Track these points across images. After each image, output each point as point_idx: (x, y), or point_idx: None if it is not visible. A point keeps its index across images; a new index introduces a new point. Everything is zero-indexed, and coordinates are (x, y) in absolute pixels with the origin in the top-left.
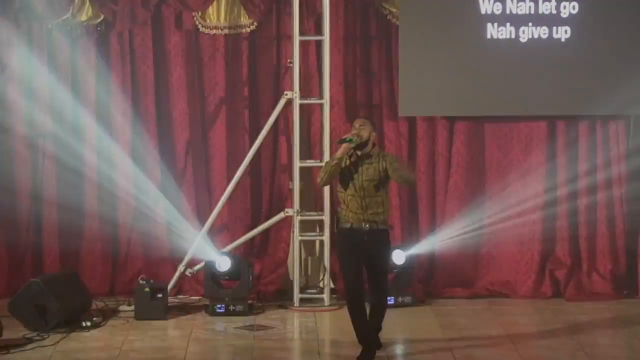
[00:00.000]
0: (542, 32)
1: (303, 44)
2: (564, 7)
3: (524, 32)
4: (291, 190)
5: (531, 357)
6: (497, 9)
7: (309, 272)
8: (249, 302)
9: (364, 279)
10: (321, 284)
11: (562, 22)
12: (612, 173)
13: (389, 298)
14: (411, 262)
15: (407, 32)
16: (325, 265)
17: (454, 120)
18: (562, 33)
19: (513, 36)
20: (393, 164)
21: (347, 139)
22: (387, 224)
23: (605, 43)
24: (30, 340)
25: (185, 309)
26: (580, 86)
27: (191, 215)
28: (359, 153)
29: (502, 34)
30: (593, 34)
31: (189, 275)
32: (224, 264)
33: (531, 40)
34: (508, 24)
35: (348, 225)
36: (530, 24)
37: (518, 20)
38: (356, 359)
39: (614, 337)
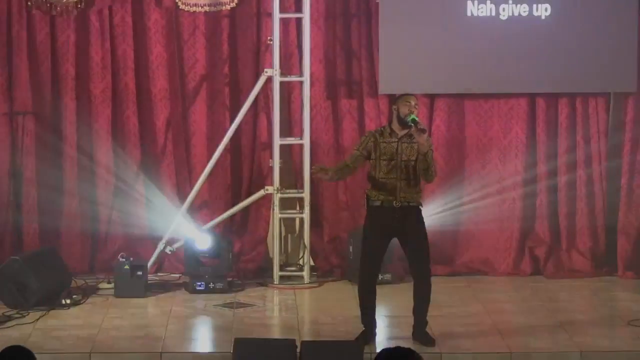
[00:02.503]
0: (522, 9)
1: (283, 22)
2: None
3: (504, 9)
4: (271, 168)
5: (511, 334)
6: None
7: (289, 250)
8: (229, 279)
9: (381, 263)
10: (301, 262)
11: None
12: (592, 150)
13: None
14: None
15: (388, 10)
16: (305, 243)
17: (434, 98)
18: (542, 10)
19: (493, 13)
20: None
21: (412, 119)
22: (419, 202)
23: (585, 20)
24: (9, 318)
25: (165, 287)
26: (560, 63)
27: (171, 192)
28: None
29: (482, 12)
30: (573, 11)
31: (169, 253)
32: (204, 242)
33: (511, 18)
34: (488, 2)
35: (378, 203)
36: (510, 1)
37: None
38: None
39: (593, 314)
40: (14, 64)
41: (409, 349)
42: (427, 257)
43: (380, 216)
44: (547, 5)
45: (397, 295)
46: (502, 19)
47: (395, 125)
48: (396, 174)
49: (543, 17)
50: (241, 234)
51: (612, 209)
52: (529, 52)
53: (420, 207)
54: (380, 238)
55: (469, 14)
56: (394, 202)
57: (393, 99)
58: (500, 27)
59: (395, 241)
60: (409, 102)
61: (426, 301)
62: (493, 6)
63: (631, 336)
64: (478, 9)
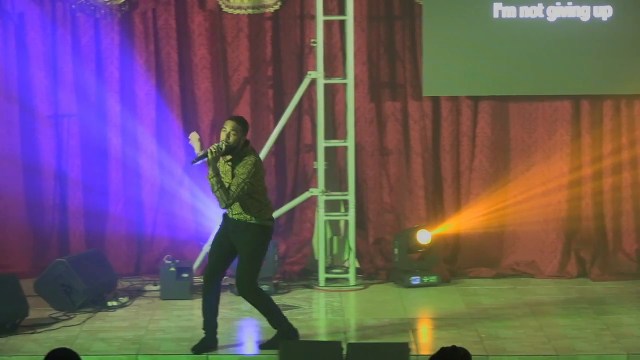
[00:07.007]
0: (569, 11)
1: (326, 24)
2: None
3: (551, 11)
4: (316, 170)
5: (556, 337)
6: None
7: (334, 252)
8: (275, 281)
9: (223, 266)
10: (346, 264)
11: (587, 1)
12: (637, 152)
13: (413, 278)
14: (436, 241)
15: (431, 12)
16: (351, 245)
17: (478, 100)
18: (582, 13)
19: (541, 15)
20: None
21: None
22: (258, 219)
23: (630, 22)
24: (56, 320)
25: None
26: (604, 65)
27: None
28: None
29: (528, 13)
30: (619, 13)
31: None
32: None
33: (559, 20)
34: (539, 4)
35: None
36: (558, 3)
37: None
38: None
39: None
40: (58, 66)
41: (466, 351)
42: (244, 271)
43: (223, 223)
44: (587, 8)
45: (443, 297)
46: (550, 21)
47: None
48: None
49: (586, 20)
50: (286, 236)
51: None
52: (574, 54)
53: (258, 224)
54: (218, 246)
55: (514, 15)
56: (231, 215)
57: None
58: (547, 29)
59: (441, 243)
60: (224, 127)
61: (260, 310)
62: (541, 8)
63: None
64: (525, 11)
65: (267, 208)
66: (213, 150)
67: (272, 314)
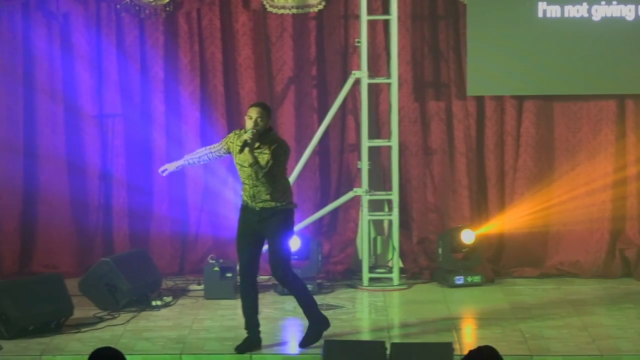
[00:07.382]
0: (614, 10)
1: (371, 23)
2: None
3: (596, 10)
4: (359, 170)
5: (601, 337)
6: None
7: (378, 252)
8: (318, 281)
9: (256, 260)
10: (390, 264)
11: (632, 0)
12: None
13: (457, 278)
14: (480, 241)
15: (475, 11)
16: (394, 245)
17: (523, 99)
18: (627, 12)
19: (586, 15)
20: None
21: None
22: (282, 203)
23: None
24: (100, 319)
25: None
26: None
27: None
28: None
29: (573, 13)
30: None
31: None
32: (293, 244)
33: (603, 19)
34: (584, 3)
35: (243, 203)
36: (602, 2)
37: None
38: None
39: None
40: (103, 66)
41: (491, 349)
42: (281, 257)
43: (244, 216)
44: (632, 7)
45: (486, 296)
46: (595, 20)
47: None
48: (250, 181)
49: (632, 19)
50: (330, 236)
51: None
52: (619, 53)
53: (285, 208)
54: (248, 241)
55: (559, 15)
56: (255, 204)
57: None
58: (592, 28)
59: (485, 243)
60: (250, 116)
61: (299, 300)
62: (585, 7)
63: None
64: (569, 10)
65: (289, 191)
66: (250, 137)
67: (307, 300)
